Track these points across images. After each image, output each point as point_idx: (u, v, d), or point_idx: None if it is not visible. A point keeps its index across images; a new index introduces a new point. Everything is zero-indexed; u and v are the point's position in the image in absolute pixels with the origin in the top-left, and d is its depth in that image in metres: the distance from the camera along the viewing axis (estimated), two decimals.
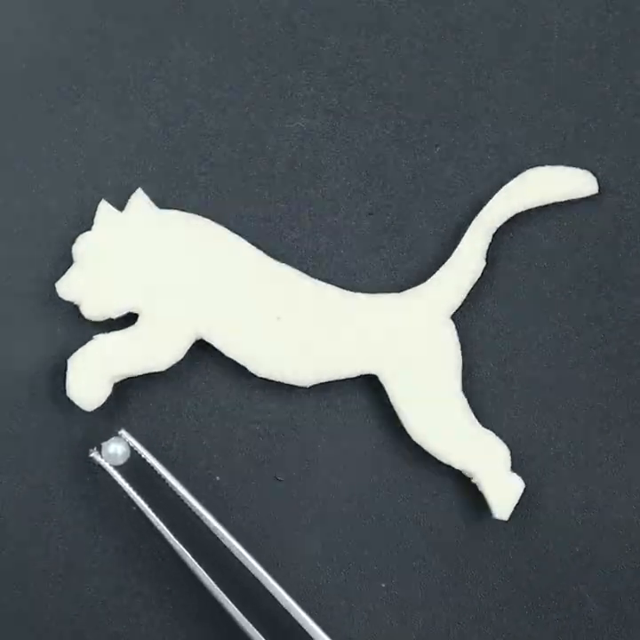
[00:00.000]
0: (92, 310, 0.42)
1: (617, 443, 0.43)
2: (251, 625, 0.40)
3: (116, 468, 0.41)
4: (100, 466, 0.41)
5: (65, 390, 0.42)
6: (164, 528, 0.40)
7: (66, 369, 0.42)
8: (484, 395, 0.43)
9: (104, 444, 0.41)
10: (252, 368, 0.42)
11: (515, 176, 0.44)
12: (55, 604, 0.42)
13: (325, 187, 0.44)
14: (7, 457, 0.42)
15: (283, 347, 0.42)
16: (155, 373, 0.42)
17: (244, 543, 0.42)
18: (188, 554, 0.40)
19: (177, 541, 0.40)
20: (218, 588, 0.40)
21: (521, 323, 0.44)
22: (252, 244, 0.43)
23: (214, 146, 0.44)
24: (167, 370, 0.42)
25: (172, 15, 0.45)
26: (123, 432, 0.41)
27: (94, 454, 0.41)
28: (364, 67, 0.45)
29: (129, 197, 0.43)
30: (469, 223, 0.43)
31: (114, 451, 0.41)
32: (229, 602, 0.40)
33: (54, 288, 0.42)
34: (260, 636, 0.40)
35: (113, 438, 0.41)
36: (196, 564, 0.40)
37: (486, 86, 0.45)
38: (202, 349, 0.43)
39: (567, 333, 0.44)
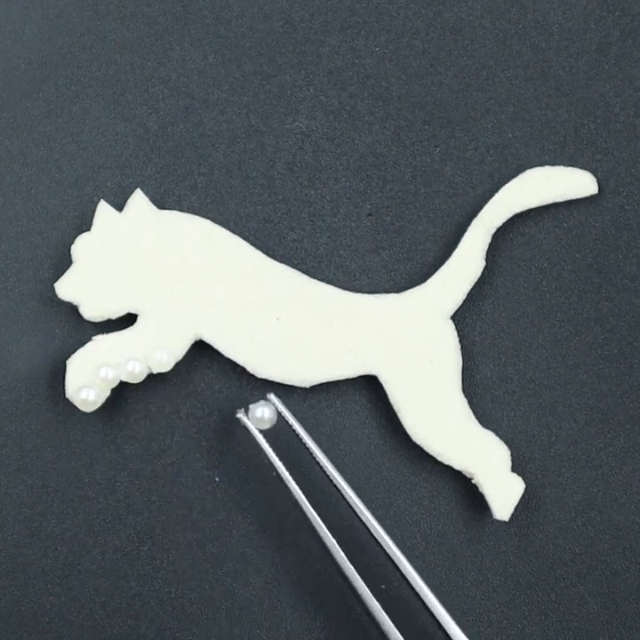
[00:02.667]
0: (91, 311, 0.42)
1: (617, 443, 0.43)
2: (382, 612, 0.39)
3: (261, 432, 0.40)
4: (245, 428, 0.40)
5: (64, 391, 0.42)
6: (302, 497, 0.39)
7: (65, 370, 0.42)
8: (484, 395, 0.43)
9: (251, 407, 0.40)
10: (251, 369, 0.42)
11: (514, 176, 0.44)
12: (54, 606, 0.42)
13: (325, 187, 0.44)
14: (6, 458, 0.42)
15: (282, 347, 0.42)
16: (154, 374, 0.42)
17: (245, 544, 0.42)
18: (323, 526, 0.39)
19: (314, 513, 0.39)
20: (347, 561, 0.39)
21: (521, 323, 0.44)
22: (252, 244, 0.43)
23: (213, 146, 0.44)
24: (166, 371, 0.42)
25: (171, 16, 0.45)
26: (272, 396, 0.41)
27: (241, 415, 0.40)
28: (364, 67, 0.45)
29: (128, 198, 0.43)
30: (469, 223, 0.43)
31: (261, 414, 0.40)
32: (358, 578, 0.39)
33: (53, 289, 0.42)
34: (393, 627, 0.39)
35: (261, 401, 0.41)
36: (331, 538, 0.39)
37: (486, 87, 0.45)
38: (201, 350, 0.43)
39: (567, 334, 0.44)
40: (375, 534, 0.39)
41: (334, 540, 0.39)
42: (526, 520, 0.42)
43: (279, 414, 0.41)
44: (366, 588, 0.39)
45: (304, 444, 0.40)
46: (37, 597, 0.42)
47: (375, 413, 0.43)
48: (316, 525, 0.39)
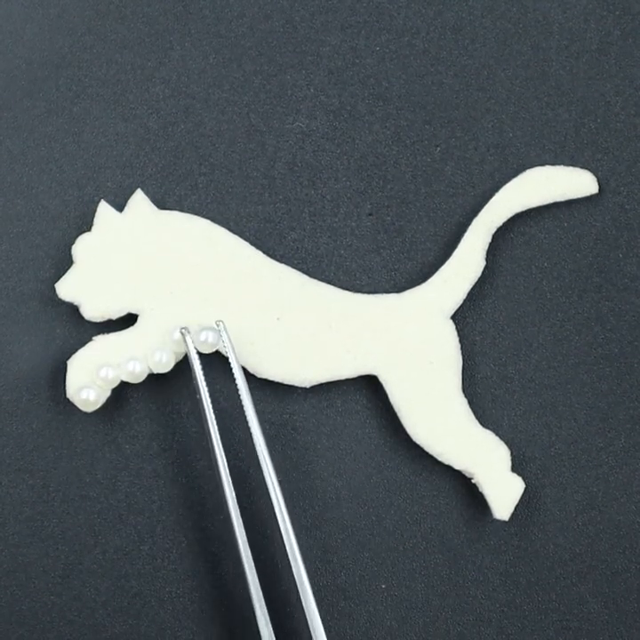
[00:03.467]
0: (92, 311, 0.42)
1: (617, 443, 0.43)
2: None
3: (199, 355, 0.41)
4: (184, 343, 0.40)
5: (64, 391, 0.42)
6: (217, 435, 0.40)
7: (65, 370, 0.42)
8: (485, 395, 0.43)
9: (196, 329, 0.41)
10: (251, 369, 0.42)
11: (515, 176, 0.44)
12: (55, 605, 0.42)
13: (325, 187, 0.44)
14: (7, 458, 0.42)
15: (282, 347, 0.42)
16: (155, 374, 0.42)
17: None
18: (230, 485, 0.39)
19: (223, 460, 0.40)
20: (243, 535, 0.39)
21: (521, 323, 0.44)
22: (252, 244, 0.43)
23: (214, 146, 0.44)
24: (167, 371, 0.42)
25: (171, 16, 0.45)
26: (222, 324, 0.41)
27: (184, 331, 0.41)
28: (364, 67, 0.45)
29: (129, 198, 0.43)
30: (469, 223, 0.43)
31: (205, 337, 0.41)
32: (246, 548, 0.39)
33: (54, 289, 0.42)
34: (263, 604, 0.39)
35: (210, 327, 0.41)
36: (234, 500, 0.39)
37: (486, 86, 0.45)
38: None
39: (567, 333, 0.44)
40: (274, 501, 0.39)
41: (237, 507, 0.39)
42: (526, 520, 0.43)
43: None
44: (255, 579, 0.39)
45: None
46: (38, 597, 0.42)
47: (375, 413, 0.43)
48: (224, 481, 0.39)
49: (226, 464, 0.40)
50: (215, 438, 0.40)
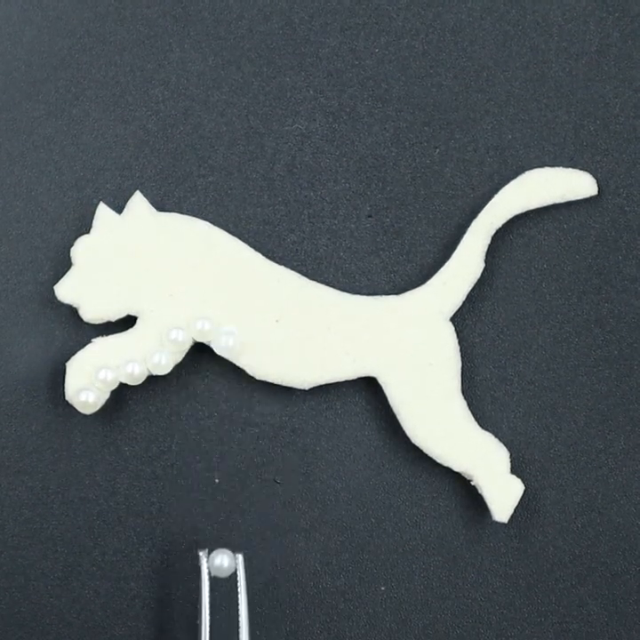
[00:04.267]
0: (91, 313, 0.42)
1: (617, 445, 0.43)
2: None
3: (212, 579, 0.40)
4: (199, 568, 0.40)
5: (63, 393, 0.42)
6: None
7: (64, 372, 0.42)
8: (484, 397, 0.43)
9: (213, 554, 0.40)
10: (250, 371, 0.42)
11: (514, 178, 0.44)
12: (54, 607, 0.42)
13: (324, 189, 0.44)
14: (6, 460, 0.42)
15: (282, 349, 0.42)
16: (154, 376, 0.42)
17: (245, 545, 0.42)
18: None
19: None
20: None
21: (520, 324, 0.44)
22: (251, 246, 0.43)
23: (213, 148, 0.44)
24: (166, 373, 0.42)
25: (170, 18, 0.45)
26: (239, 556, 0.40)
27: (202, 554, 0.40)
28: (364, 69, 0.45)
29: (128, 200, 0.43)
30: (469, 225, 0.43)
31: (220, 562, 0.40)
32: None
33: (53, 291, 0.42)
34: None
35: (225, 550, 0.40)
36: None
37: (486, 88, 0.45)
38: (201, 352, 0.43)
39: (567, 335, 0.44)
40: None
41: None
42: (526, 522, 0.42)
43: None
44: None
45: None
46: (38, 599, 0.42)
47: (375, 415, 0.43)
48: None
49: None
50: None
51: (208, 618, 0.40)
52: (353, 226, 0.44)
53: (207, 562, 0.40)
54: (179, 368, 0.42)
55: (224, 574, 0.40)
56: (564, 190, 0.44)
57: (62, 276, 0.42)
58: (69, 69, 0.45)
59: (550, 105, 0.45)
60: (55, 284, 0.42)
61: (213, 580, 0.40)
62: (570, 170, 0.44)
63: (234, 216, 0.44)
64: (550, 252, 0.44)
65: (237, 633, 0.40)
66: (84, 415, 0.42)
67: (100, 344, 0.42)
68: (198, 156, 0.44)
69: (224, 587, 0.41)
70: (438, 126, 0.45)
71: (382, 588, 0.42)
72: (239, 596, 0.40)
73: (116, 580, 0.42)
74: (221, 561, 0.40)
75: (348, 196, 0.44)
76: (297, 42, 0.45)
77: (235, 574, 0.40)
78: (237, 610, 0.40)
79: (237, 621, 0.40)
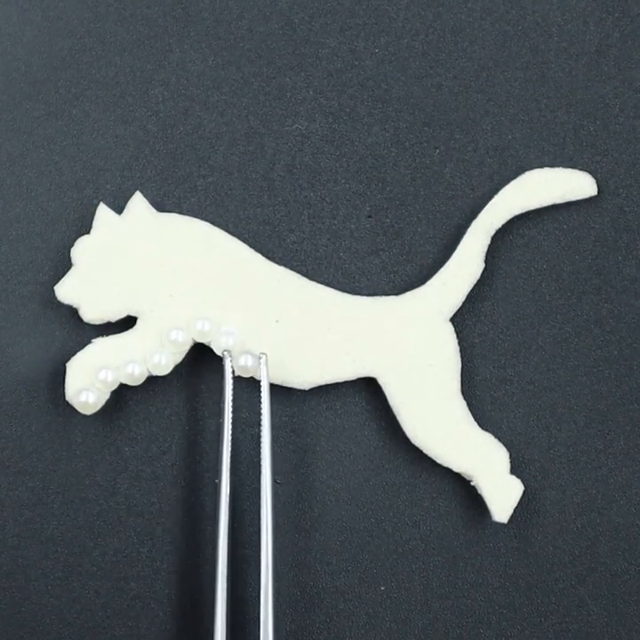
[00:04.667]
0: (91, 314, 0.42)
1: (617, 445, 0.43)
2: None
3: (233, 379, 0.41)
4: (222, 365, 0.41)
5: (64, 394, 0.42)
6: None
7: (64, 372, 0.42)
8: (484, 397, 0.43)
9: (237, 354, 0.41)
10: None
11: (514, 178, 0.44)
12: (55, 607, 0.42)
13: (324, 189, 0.44)
14: (6, 460, 0.43)
15: (281, 349, 0.42)
16: (154, 376, 0.42)
17: (246, 548, 0.42)
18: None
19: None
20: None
21: (520, 325, 0.44)
22: (251, 246, 0.43)
23: (213, 149, 0.44)
24: (166, 373, 0.42)
25: (170, 18, 0.45)
26: (265, 356, 0.41)
27: (225, 353, 0.41)
28: (364, 69, 0.45)
29: (128, 201, 0.43)
30: (468, 225, 0.43)
31: (244, 362, 0.41)
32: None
33: (53, 291, 0.42)
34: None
35: (250, 352, 0.41)
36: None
37: (485, 88, 0.45)
38: (201, 352, 0.43)
39: (567, 336, 0.44)
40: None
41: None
42: (525, 522, 0.42)
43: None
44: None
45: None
46: (38, 599, 0.42)
47: (374, 415, 0.43)
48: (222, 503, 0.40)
49: (228, 480, 0.40)
50: (226, 461, 0.40)
51: (230, 416, 0.40)
52: (353, 226, 0.44)
53: (231, 360, 0.40)
54: (179, 368, 0.42)
55: (247, 374, 0.41)
56: (563, 191, 0.44)
57: (62, 277, 0.42)
58: (69, 70, 0.45)
59: (550, 105, 0.45)
60: (55, 284, 0.42)
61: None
62: (569, 170, 0.44)
63: (234, 216, 0.44)
64: (550, 252, 0.44)
65: (258, 443, 0.40)
66: (85, 415, 0.42)
67: (100, 344, 0.42)
68: (198, 156, 0.44)
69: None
70: (438, 127, 0.45)
71: (382, 588, 0.42)
72: (262, 394, 0.41)
73: (117, 580, 0.42)
74: (245, 360, 0.41)
75: (347, 197, 0.44)
76: (297, 42, 0.45)
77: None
78: (258, 419, 0.41)
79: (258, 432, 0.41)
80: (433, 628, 0.42)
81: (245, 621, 0.42)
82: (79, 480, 0.42)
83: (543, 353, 0.43)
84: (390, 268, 0.44)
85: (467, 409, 0.42)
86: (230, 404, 0.40)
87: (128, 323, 0.42)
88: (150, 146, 0.44)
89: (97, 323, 0.42)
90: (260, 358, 0.41)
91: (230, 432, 0.40)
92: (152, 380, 0.43)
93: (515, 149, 0.44)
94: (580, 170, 0.44)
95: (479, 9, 0.45)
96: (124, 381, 0.42)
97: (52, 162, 0.44)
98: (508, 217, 0.43)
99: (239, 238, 0.43)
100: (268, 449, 0.40)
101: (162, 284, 0.42)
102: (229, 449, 0.40)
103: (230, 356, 0.41)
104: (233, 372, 0.41)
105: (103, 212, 0.43)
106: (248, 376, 0.41)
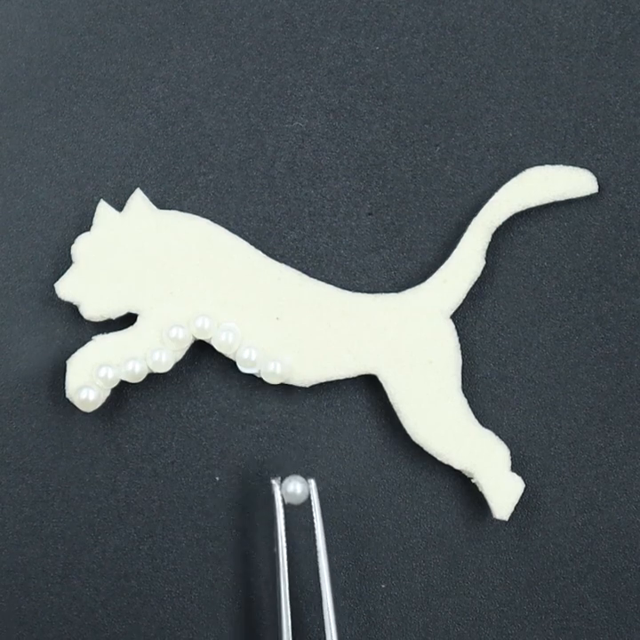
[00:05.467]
0: (92, 311, 0.42)
1: (617, 443, 0.43)
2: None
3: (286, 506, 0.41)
4: (272, 496, 0.40)
5: (64, 391, 0.42)
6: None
7: (65, 369, 0.42)
8: (484, 395, 0.43)
9: (286, 480, 0.40)
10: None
11: (514, 175, 0.44)
12: (55, 605, 0.42)
13: (325, 187, 0.44)
14: (6, 457, 0.43)
15: (282, 347, 0.42)
16: (154, 374, 0.42)
17: (245, 543, 0.42)
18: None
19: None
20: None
21: (521, 322, 0.44)
22: (252, 244, 0.43)
23: (213, 146, 0.44)
24: (166, 370, 0.42)
25: (171, 15, 0.45)
26: (312, 482, 0.41)
27: (275, 482, 0.40)
28: (364, 66, 0.45)
29: (128, 198, 0.43)
30: (469, 223, 0.43)
31: (293, 489, 0.40)
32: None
33: (53, 289, 0.42)
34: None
35: (298, 477, 0.41)
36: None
37: (486, 86, 0.45)
38: (201, 349, 0.43)
39: (567, 333, 0.44)
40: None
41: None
42: (526, 519, 0.42)
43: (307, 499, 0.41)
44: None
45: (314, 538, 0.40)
46: (38, 596, 0.42)
47: (375, 413, 0.43)
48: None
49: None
50: (284, 588, 0.40)
51: (285, 545, 0.40)
52: (353, 223, 0.44)
53: (280, 489, 0.40)
54: (179, 366, 0.43)
55: (297, 501, 0.40)
56: (564, 188, 0.44)
57: (63, 274, 0.42)
58: (70, 67, 0.45)
59: (551, 103, 0.45)
60: (55, 281, 0.42)
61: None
62: (570, 167, 0.44)
63: (234, 213, 0.44)
64: (551, 249, 0.44)
65: (314, 560, 0.40)
66: (85, 413, 0.42)
67: (100, 342, 0.42)
68: (199, 153, 0.44)
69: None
70: (439, 124, 0.45)
71: (382, 586, 0.42)
72: (315, 520, 0.40)
73: (117, 577, 0.42)
74: (294, 487, 0.40)
75: (348, 194, 0.44)
76: (297, 39, 0.45)
77: (307, 502, 0.40)
78: (312, 537, 0.40)
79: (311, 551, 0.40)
80: (433, 626, 0.42)
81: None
82: (79, 477, 0.42)
83: (544, 350, 0.43)
84: (391, 265, 0.44)
85: (467, 406, 0.42)
86: (283, 533, 0.40)
87: (128, 320, 0.42)
88: (151, 143, 0.44)
89: (97, 320, 0.42)
90: (308, 483, 0.41)
91: (285, 558, 0.40)
92: (152, 378, 0.43)
93: (515, 147, 0.44)
94: (581, 167, 0.44)
95: (480, 6, 0.45)
96: (125, 379, 0.42)
97: (52, 159, 0.44)
98: (509, 214, 0.43)
99: (239, 235, 0.43)
100: (325, 568, 0.40)
101: (162, 282, 0.42)
102: (286, 572, 0.40)
103: (279, 484, 0.40)
104: (283, 500, 0.41)
105: (103, 210, 0.43)
106: (298, 503, 0.41)
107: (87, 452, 0.43)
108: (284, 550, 0.40)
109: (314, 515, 0.40)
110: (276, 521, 0.40)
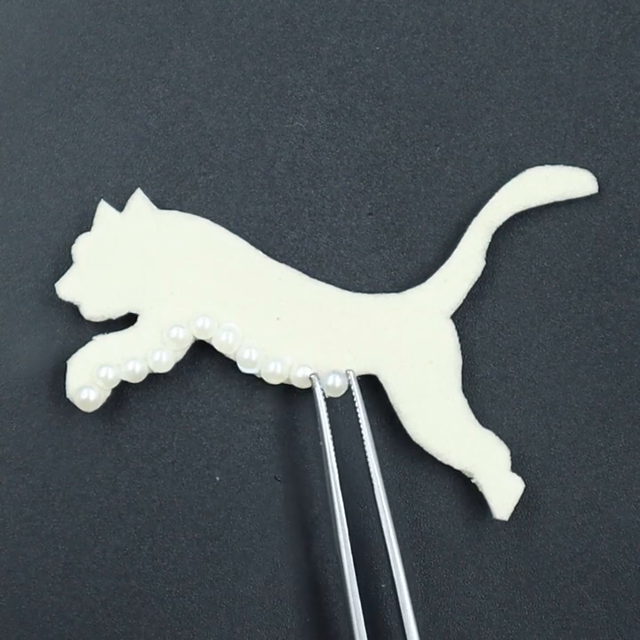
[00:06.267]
0: (92, 311, 0.42)
1: (617, 443, 0.43)
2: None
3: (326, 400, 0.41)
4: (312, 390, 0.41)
5: (64, 391, 0.42)
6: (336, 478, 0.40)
7: (65, 370, 0.42)
8: (484, 395, 0.43)
9: (325, 374, 0.41)
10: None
11: (515, 175, 0.44)
12: (55, 605, 0.42)
13: (325, 187, 0.44)
14: (7, 457, 0.43)
15: (282, 347, 0.42)
16: (155, 374, 0.42)
17: (246, 543, 0.42)
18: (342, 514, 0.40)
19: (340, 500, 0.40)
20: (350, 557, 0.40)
21: (521, 322, 0.44)
22: (252, 244, 0.43)
23: (214, 146, 0.44)
24: (167, 370, 0.42)
25: (171, 15, 0.45)
26: (351, 373, 0.41)
27: (314, 377, 0.41)
28: (364, 66, 0.45)
29: (128, 198, 0.43)
30: (469, 223, 0.43)
31: (332, 382, 0.41)
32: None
33: (54, 289, 0.42)
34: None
35: (337, 372, 0.41)
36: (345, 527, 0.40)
37: (486, 86, 0.45)
38: (201, 350, 0.43)
39: (567, 333, 0.44)
40: (386, 536, 0.40)
41: (346, 531, 0.39)
42: (526, 519, 0.43)
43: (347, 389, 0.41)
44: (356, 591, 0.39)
45: (359, 426, 0.41)
46: (38, 596, 0.42)
47: (375, 413, 0.43)
48: (336, 511, 0.40)
49: (342, 506, 0.40)
50: (334, 483, 0.40)
51: (330, 438, 0.40)
52: (353, 223, 0.44)
53: (319, 382, 0.41)
54: (179, 366, 0.43)
55: (337, 393, 0.41)
56: (564, 188, 0.44)
57: (63, 274, 0.42)
58: (70, 67, 0.45)
59: (551, 103, 0.45)
60: (56, 281, 0.42)
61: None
62: (570, 168, 0.44)
63: (234, 214, 0.44)
64: (551, 249, 0.44)
65: (362, 455, 0.41)
66: (85, 413, 0.42)
67: (100, 342, 0.42)
68: (199, 153, 0.44)
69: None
70: (439, 124, 0.45)
71: (382, 586, 0.42)
72: (359, 412, 0.41)
73: (117, 577, 0.42)
74: (334, 380, 0.41)
75: (348, 194, 0.44)
76: (298, 39, 0.45)
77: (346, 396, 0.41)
78: (357, 430, 0.41)
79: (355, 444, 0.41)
80: (434, 626, 0.42)
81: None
82: (80, 477, 0.42)
83: (544, 350, 0.43)
84: (391, 265, 0.44)
85: (467, 406, 0.42)
86: (328, 427, 0.40)
87: (129, 320, 0.42)
88: (151, 143, 0.44)
89: (98, 320, 0.42)
90: (347, 375, 0.41)
91: (334, 456, 0.40)
92: (153, 378, 0.43)
93: (515, 147, 0.44)
94: (581, 167, 0.44)
95: (480, 6, 0.45)
96: (125, 379, 0.42)
97: (52, 159, 0.44)
98: (509, 214, 0.43)
99: (240, 236, 0.43)
100: (375, 465, 0.40)
101: (162, 282, 0.42)
102: (336, 473, 0.40)
103: (318, 378, 0.41)
104: (323, 393, 0.41)
105: (104, 210, 0.43)
106: (338, 396, 0.41)
107: (88, 452, 0.43)
108: (331, 443, 0.40)
109: (356, 404, 0.41)
110: (319, 414, 0.40)
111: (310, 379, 0.41)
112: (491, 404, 0.43)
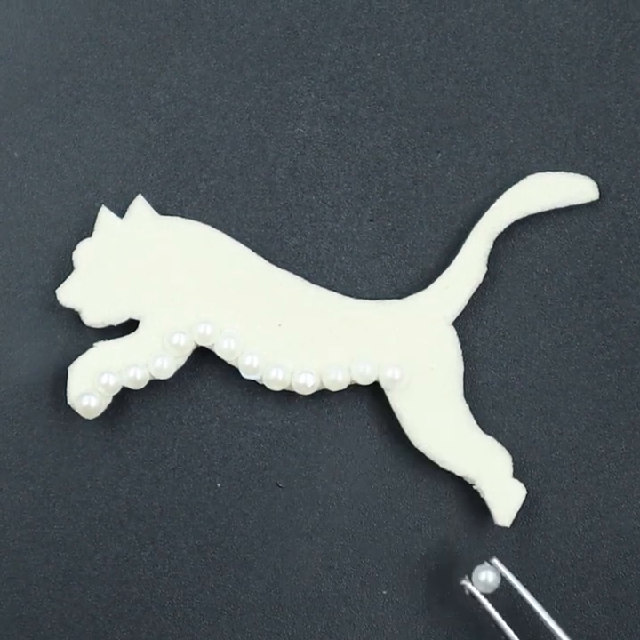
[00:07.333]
0: (93, 317, 0.42)
1: (618, 449, 0.43)
2: None
3: (486, 596, 0.40)
4: (470, 594, 0.41)
5: (65, 398, 0.42)
6: None
7: (66, 376, 0.42)
8: (486, 401, 0.43)
9: (476, 571, 0.40)
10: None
11: (516, 182, 0.44)
12: (56, 611, 0.42)
13: (326, 193, 0.44)
14: (8, 464, 0.42)
15: (284, 353, 0.42)
16: (156, 380, 0.42)
17: (246, 550, 0.42)
18: None
19: None
20: None
21: (522, 328, 0.44)
22: (253, 250, 0.43)
23: (215, 152, 0.44)
24: (168, 377, 0.42)
25: (172, 21, 0.45)
26: (495, 560, 0.40)
27: (465, 582, 0.41)
28: (366, 73, 0.45)
29: (129, 204, 0.43)
30: (470, 229, 0.43)
31: (484, 578, 0.40)
32: None
33: (55, 295, 0.42)
34: None
35: (485, 564, 0.41)
36: None
37: (487, 93, 0.45)
38: (203, 356, 0.43)
39: (568, 339, 0.44)
40: None
41: None
42: (528, 526, 0.43)
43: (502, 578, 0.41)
44: None
45: (529, 607, 0.40)
46: (39, 603, 0.42)
47: (377, 419, 0.43)
48: None
49: None
50: None
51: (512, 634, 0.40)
52: (355, 230, 0.44)
53: (472, 584, 0.40)
54: (181, 372, 0.42)
55: (491, 589, 0.40)
56: (565, 195, 0.44)
57: (64, 280, 0.42)
58: (71, 73, 0.45)
59: (551, 110, 0.45)
60: (57, 287, 0.42)
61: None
62: (571, 174, 0.44)
63: (236, 220, 0.44)
64: (552, 256, 0.44)
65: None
66: (86, 419, 0.42)
67: (101, 348, 0.42)
68: (200, 159, 0.44)
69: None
70: (440, 131, 0.45)
71: (384, 592, 0.42)
72: (522, 593, 0.40)
73: (118, 584, 0.42)
74: (486, 576, 0.40)
75: (349, 200, 0.44)
76: (299, 46, 0.45)
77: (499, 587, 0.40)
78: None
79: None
80: (435, 632, 0.42)
81: None
82: (81, 484, 0.42)
83: (545, 357, 0.43)
84: (392, 271, 0.44)
85: (469, 413, 0.42)
86: (503, 622, 0.40)
87: (130, 326, 0.42)
88: (152, 149, 0.44)
89: (99, 326, 0.42)
90: (493, 564, 0.41)
91: None
92: (154, 384, 0.42)
93: (516, 154, 0.45)
94: (582, 174, 0.44)
95: (481, 14, 0.46)
96: (126, 385, 0.42)
97: (53, 165, 0.44)
98: (510, 221, 0.43)
99: (241, 242, 0.43)
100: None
101: (164, 288, 0.42)
102: None
103: (468, 580, 0.41)
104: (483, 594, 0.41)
105: (105, 216, 0.43)
106: (491, 591, 0.41)
107: (88, 459, 0.42)
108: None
109: (517, 589, 0.40)
110: (490, 613, 0.40)
111: (462, 585, 0.41)
112: (492, 411, 0.43)
